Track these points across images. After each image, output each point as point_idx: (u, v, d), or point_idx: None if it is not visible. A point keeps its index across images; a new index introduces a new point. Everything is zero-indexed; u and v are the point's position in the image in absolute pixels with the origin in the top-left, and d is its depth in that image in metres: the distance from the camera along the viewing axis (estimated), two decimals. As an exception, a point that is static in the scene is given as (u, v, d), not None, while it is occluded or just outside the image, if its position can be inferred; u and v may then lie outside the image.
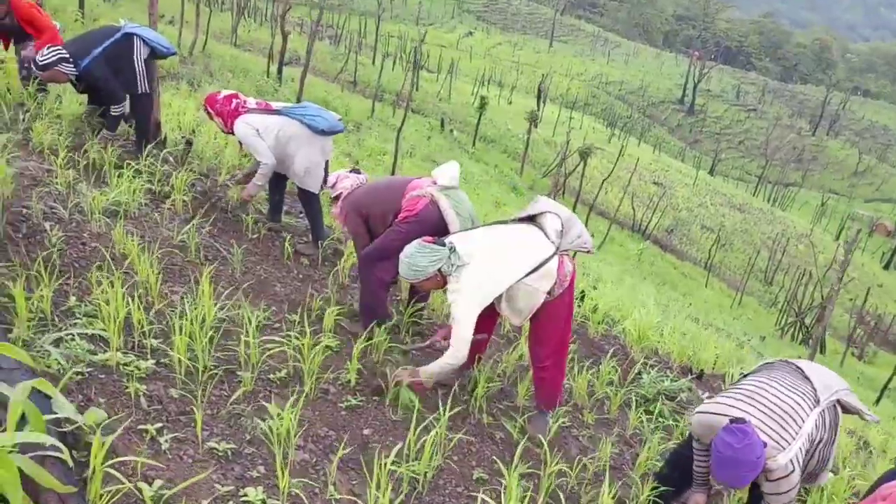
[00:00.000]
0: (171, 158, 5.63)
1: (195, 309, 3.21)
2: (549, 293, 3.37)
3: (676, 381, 5.23)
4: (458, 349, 3.27)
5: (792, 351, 19.42)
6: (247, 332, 3.19)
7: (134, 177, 4.68)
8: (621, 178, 38.26)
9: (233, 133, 5.00)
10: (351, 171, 4.47)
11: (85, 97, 5.77)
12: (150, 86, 5.59)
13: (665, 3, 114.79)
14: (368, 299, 4.01)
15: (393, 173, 14.68)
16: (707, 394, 5.29)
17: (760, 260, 36.20)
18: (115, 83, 5.33)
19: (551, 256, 3.33)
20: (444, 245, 3.27)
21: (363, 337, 3.58)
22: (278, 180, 5.25)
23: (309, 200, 5.19)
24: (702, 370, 5.73)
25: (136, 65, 5.42)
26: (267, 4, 47.84)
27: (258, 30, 39.21)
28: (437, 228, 3.90)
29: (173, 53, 5.81)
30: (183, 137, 6.42)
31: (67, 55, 5.10)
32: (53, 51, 5.07)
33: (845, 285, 26.75)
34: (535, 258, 3.31)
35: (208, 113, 5.08)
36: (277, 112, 5.00)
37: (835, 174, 67.84)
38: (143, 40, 5.44)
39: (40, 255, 3.37)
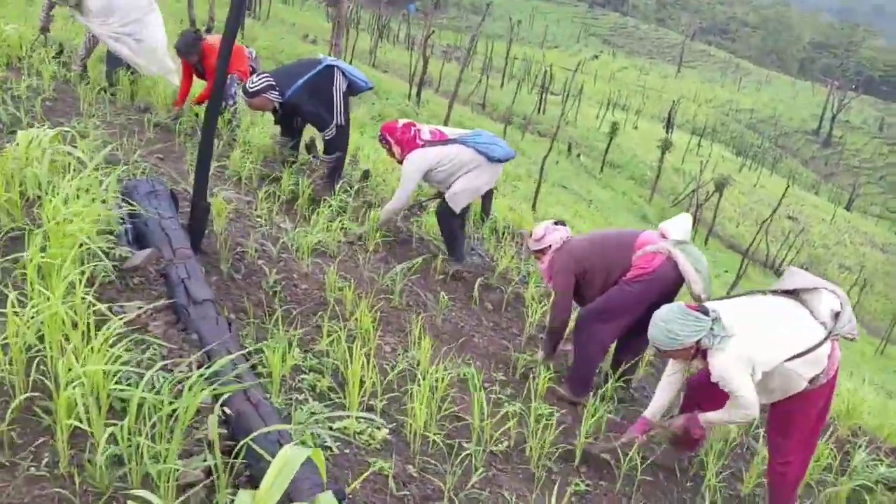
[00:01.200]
0: (349, 189, 5.60)
1: (420, 368, 3.04)
2: (810, 381, 2.99)
3: (894, 466, 4.66)
4: (748, 411, 2.95)
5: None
6: (479, 406, 2.97)
7: (331, 213, 4.64)
8: (754, 209, 36.52)
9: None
10: (556, 224, 4.21)
11: (276, 129, 5.87)
12: (347, 119, 5.61)
13: (803, 29, 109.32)
14: (585, 363, 3.76)
15: (535, 200, 14.46)
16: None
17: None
18: (319, 109, 5.39)
19: (823, 340, 2.94)
20: (707, 314, 2.94)
21: (589, 412, 3.30)
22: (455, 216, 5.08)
23: (447, 219, 5.06)
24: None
25: (336, 97, 5.46)
26: (400, 25, 49.08)
27: (392, 50, 40.25)
28: (672, 287, 3.68)
29: (370, 88, 5.83)
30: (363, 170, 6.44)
31: (274, 83, 5.20)
32: (262, 78, 5.17)
33: None
34: (806, 341, 2.92)
35: (387, 141, 4.96)
36: (453, 141, 4.88)
37: None
38: (343, 73, 5.48)
39: (262, 301, 3.33)
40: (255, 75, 5.32)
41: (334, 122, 5.48)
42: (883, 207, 58.52)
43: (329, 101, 5.43)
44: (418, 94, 21.60)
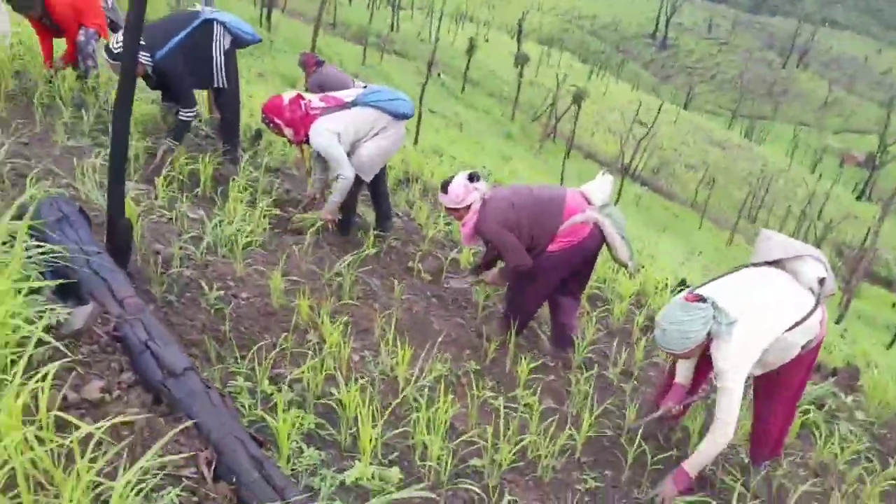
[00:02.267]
0: (244, 155, 5.01)
1: (425, 398, 2.75)
2: (802, 347, 2.99)
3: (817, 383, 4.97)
4: (728, 424, 2.79)
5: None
6: (495, 432, 2.74)
7: (244, 194, 4.13)
8: (606, 117, 37.93)
9: (306, 142, 4.36)
10: (469, 177, 3.82)
11: (157, 95, 5.11)
12: (230, 79, 4.94)
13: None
14: (521, 313, 3.90)
15: (417, 133, 13.96)
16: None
17: (742, 196, 36.46)
18: (188, 83, 4.66)
19: (815, 307, 2.91)
20: (704, 301, 2.83)
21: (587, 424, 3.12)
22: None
23: (352, 189, 4.47)
24: (834, 368, 5.45)
25: (216, 56, 4.75)
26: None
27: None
28: (595, 253, 3.79)
29: (258, 40, 5.15)
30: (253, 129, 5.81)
31: (143, 44, 4.44)
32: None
33: (836, 226, 27.06)
34: (800, 310, 2.88)
35: (274, 124, 4.35)
36: (351, 104, 4.36)
37: (805, 106, 68.19)
38: (225, 27, 4.79)
39: (206, 324, 2.89)
40: (119, 33, 4.48)
41: (216, 83, 4.81)
42: (715, 105, 62.76)
43: (208, 62, 4.73)
44: (268, 17, 20.13)
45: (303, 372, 2.76)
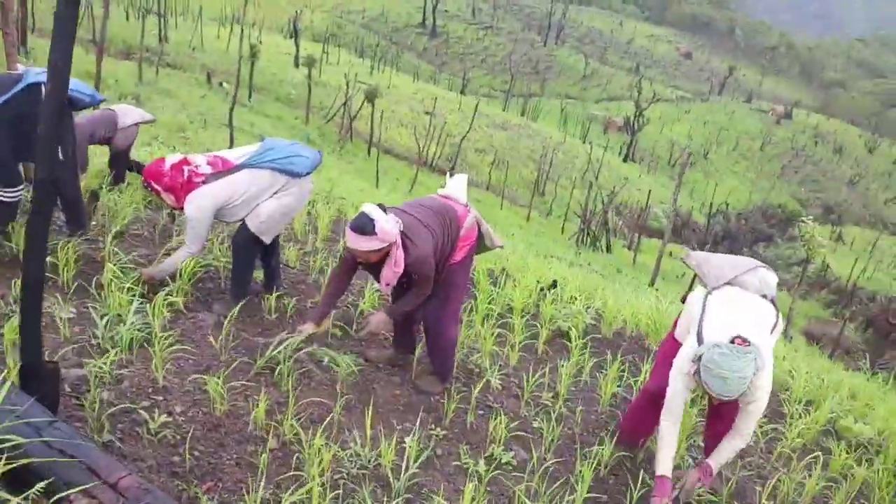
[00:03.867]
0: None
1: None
2: None
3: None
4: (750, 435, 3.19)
5: (594, 257, 21.27)
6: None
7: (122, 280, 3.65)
8: (395, 111, 38.31)
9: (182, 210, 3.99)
10: (383, 209, 3.51)
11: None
12: (66, 150, 4.28)
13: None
14: (449, 355, 3.87)
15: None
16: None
17: (529, 173, 38.77)
18: (6, 155, 4.04)
19: (778, 316, 3.26)
20: (749, 343, 2.93)
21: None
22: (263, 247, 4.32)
23: (248, 247, 4.15)
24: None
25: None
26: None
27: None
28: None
29: (101, 101, 4.50)
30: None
31: None
32: None
33: (615, 193, 29.68)
34: (769, 319, 3.24)
35: (153, 189, 3.95)
36: (241, 166, 4.01)
37: (567, 80, 73.72)
38: None
39: (158, 462, 2.52)
40: None
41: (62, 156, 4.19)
42: (489, 88, 65.86)
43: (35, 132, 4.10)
44: (23, 41, 17.86)
45: (297, 493, 2.48)
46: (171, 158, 4.00)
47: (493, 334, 4.44)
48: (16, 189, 4.10)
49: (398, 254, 3.44)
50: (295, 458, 2.79)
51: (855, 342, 20.17)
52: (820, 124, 72.05)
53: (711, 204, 44.17)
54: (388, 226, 3.38)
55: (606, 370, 4.64)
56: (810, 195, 57.61)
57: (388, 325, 3.85)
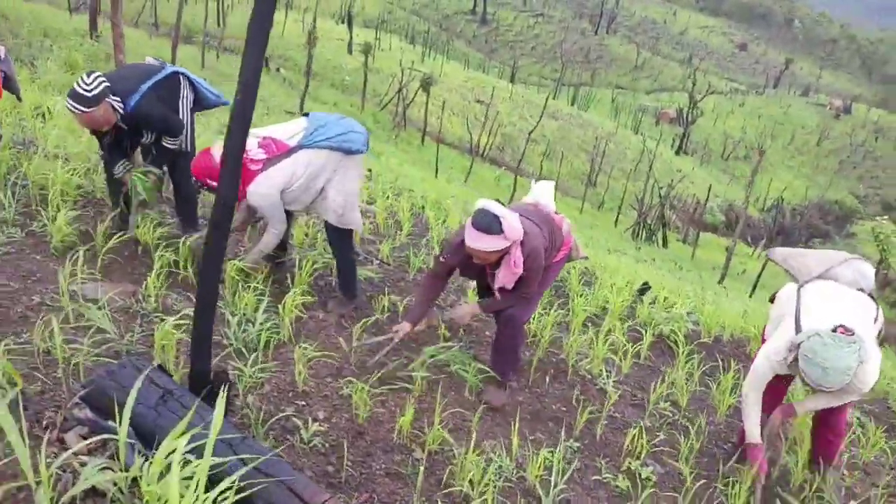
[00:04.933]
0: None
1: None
2: None
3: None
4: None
5: (653, 252, 20.93)
6: None
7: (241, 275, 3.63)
8: (447, 100, 38.17)
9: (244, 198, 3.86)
10: (499, 205, 3.30)
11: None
12: (193, 144, 4.34)
13: None
14: (516, 352, 3.67)
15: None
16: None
17: (581, 164, 38.33)
18: (173, 116, 4.10)
19: (878, 308, 3.18)
20: (853, 334, 2.82)
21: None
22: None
23: (343, 242, 4.14)
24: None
25: (183, 112, 4.18)
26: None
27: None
28: None
29: (225, 103, 4.51)
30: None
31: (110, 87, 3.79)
32: (96, 78, 3.70)
33: (670, 186, 29.16)
34: (869, 312, 3.14)
35: (209, 186, 3.78)
36: (297, 148, 3.86)
37: (619, 70, 72.63)
38: (191, 82, 4.19)
39: (314, 472, 2.48)
40: (85, 75, 3.77)
41: (182, 146, 4.22)
42: (539, 76, 65.23)
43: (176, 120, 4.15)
44: (93, 25, 18.16)
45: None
46: (218, 148, 3.71)
47: (606, 342, 4.34)
48: (177, 138, 4.13)
49: (517, 253, 3.24)
50: (447, 469, 2.74)
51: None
52: (881, 119, 69.68)
53: (766, 199, 43.20)
54: (515, 223, 3.18)
55: (716, 377, 4.52)
56: (869, 191, 55.86)
57: (474, 317, 3.82)
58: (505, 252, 3.23)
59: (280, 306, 3.52)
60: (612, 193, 34.66)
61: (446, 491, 2.61)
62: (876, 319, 3.10)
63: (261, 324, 3.34)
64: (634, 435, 3.35)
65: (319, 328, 3.70)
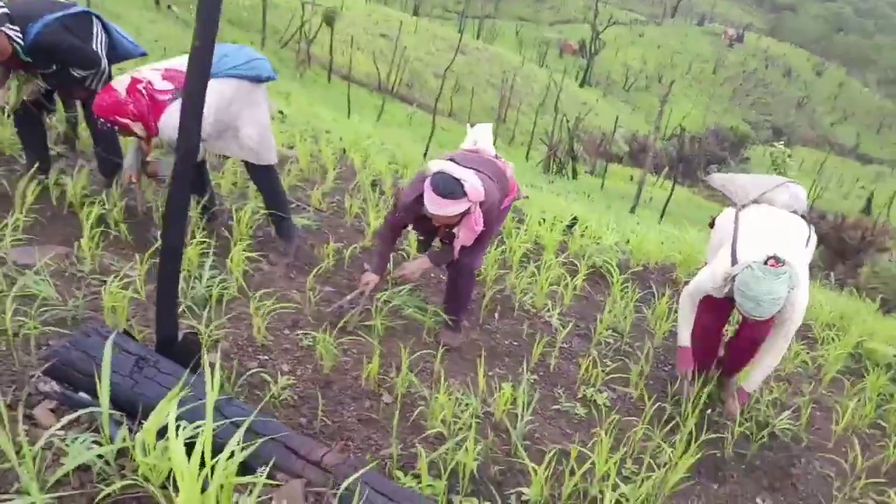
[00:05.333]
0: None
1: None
2: None
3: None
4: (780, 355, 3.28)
5: (565, 184, 21.38)
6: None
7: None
8: (348, 34, 37.06)
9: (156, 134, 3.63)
10: (455, 165, 3.21)
11: None
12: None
13: None
14: (468, 298, 3.68)
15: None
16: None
17: (490, 99, 38.33)
18: (87, 46, 3.81)
19: (811, 230, 3.35)
20: (783, 263, 2.93)
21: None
22: None
23: (269, 180, 4.02)
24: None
25: (98, 50, 3.89)
26: None
27: None
28: None
29: (143, 54, 4.20)
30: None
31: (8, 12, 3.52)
32: None
33: (580, 120, 29.63)
34: (802, 235, 3.29)
35: (120, 124, 3.51)
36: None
37: (522, 2, 72.40)
38: (104, 25, 3.90)
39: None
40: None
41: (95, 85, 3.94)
42: (442, 9, 64.22)
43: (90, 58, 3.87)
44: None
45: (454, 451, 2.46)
46: (120, 83, 3.52)
47: (546, 277, 4.44)
48: (98, 68, 3.87)
49: (478, 212, 3.20)
50: (416, 411, 2.77)
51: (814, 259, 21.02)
52: (770, 48, 72.71)
53: (667, 128, 44.56)
54: (477, 183, 3.12)
55: (650, 304, 4.73)
56: (760, 118, 58.62)
57: (424, 273, 3.72)
58: (465, 213, 3.18)
59: (228, 260, 3.41)
60: (522, 128, 34.94)
61: (423, 435, 2.65)
62: (808, 241, 3.29)
63: (208, 279, 3.24)
64: (588, 364, 3.48)
65: (268, 280, 3.62)
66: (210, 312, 3.04)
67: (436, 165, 3.17)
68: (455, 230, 3.30)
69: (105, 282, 2.85)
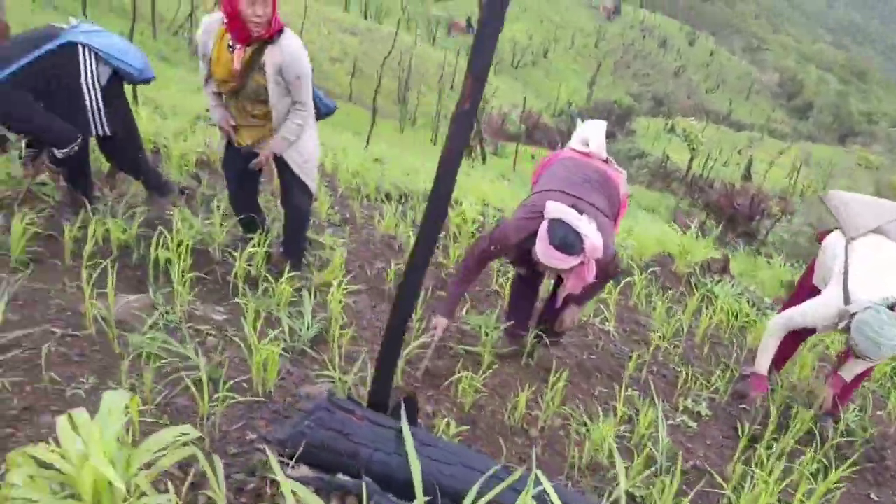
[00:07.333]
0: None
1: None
2: None
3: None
4: None
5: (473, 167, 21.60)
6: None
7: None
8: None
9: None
10: (576, 213, 2.93)
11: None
12: (117, 123, 3.82)
13: None
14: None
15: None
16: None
17: (388, 81, 38.06)
18: (44, 119, 3.53)
19: None
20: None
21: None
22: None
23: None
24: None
25: (88, 92, 3.61)
26: None
27: None
28: None
29: (148, 79, 3.89)
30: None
31: None
32: None
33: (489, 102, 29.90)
34: None
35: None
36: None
37: (405, -21, 71.58)
38: (97, 55, 3.61)
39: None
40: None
41: (94, 130, 3.71)
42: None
43: (79, 101, 3.60)
44: None
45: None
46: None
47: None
48: (71, 145, 3.60)
49: (592, 265, 2.92)
50: (562, 444, 2.84)
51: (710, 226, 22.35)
52: (646, 19, 75.77)
53: (556, 104, 45.79)
54: (597, 239, 2.85)
55: (680, 303, 4.96)
56: (642, 89, 61.14)
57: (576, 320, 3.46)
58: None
59: (329, 297, 3.30)
60: (422, 109, 34.93)
61: (577, 466, 2.71)
62: None
63: (310, 319, 3.14)
64: (685, 377, 3.64)
65: (358, 316, 3.55)
66: (332, 355, 2.96)
67: (555, 210, 2.88)
68: (563, 275, 3.06)
69: (199, 330, 2.76)
